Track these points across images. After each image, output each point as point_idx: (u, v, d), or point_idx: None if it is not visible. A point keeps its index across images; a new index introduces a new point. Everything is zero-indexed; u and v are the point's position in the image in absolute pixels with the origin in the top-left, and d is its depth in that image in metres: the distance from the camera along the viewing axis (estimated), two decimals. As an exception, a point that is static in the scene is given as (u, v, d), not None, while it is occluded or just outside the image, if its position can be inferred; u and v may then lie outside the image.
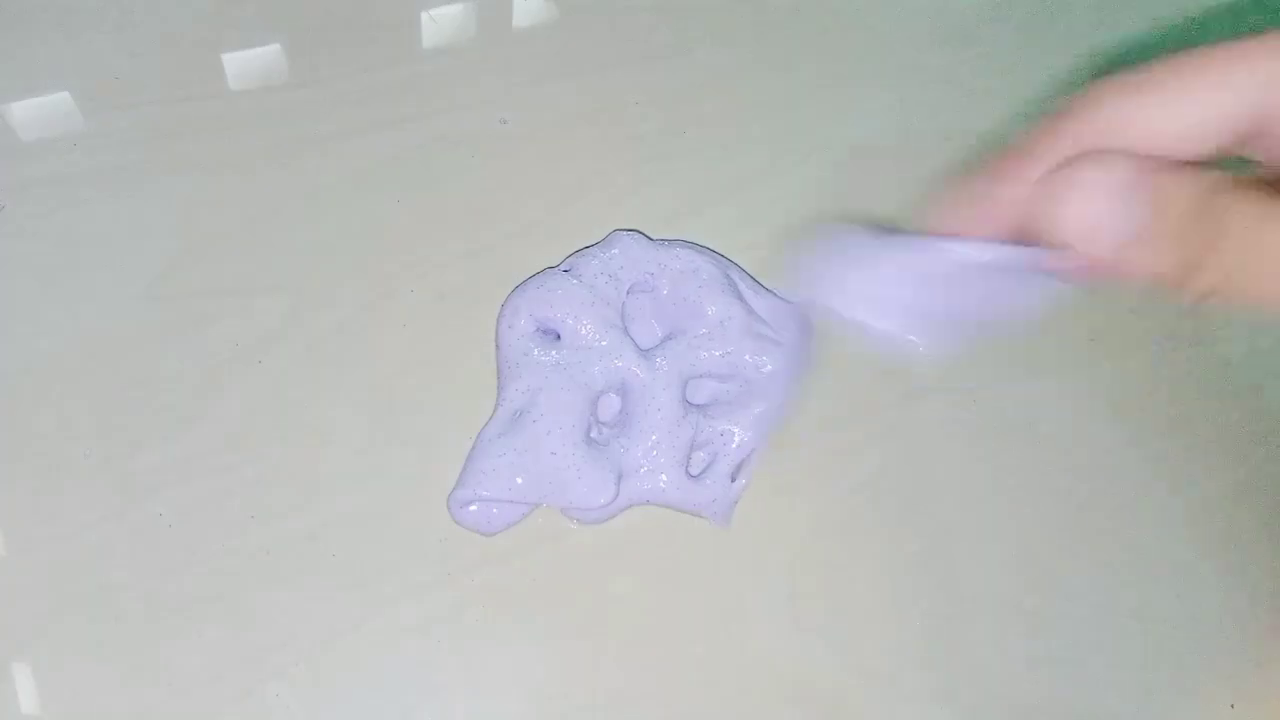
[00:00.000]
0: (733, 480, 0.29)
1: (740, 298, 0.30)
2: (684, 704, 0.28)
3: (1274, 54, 0.18)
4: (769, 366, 0.30)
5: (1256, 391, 0.35)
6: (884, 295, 0.23)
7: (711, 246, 0.32)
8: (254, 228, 0.31)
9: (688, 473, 0.29)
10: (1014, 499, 0.32)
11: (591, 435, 0.29)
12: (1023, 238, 0.21)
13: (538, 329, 0.29)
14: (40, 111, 0.32)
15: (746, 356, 0.30)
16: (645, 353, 0.29)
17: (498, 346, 0.30)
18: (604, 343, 0.29)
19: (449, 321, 0.31)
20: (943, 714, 0.29)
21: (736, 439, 0.29)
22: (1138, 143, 0.19)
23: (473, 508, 0.28)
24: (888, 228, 0.24)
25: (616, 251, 0.30)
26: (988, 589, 0.31)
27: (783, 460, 0.30)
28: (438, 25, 0.35)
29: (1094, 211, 0.19)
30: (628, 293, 0.30)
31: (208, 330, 0.30)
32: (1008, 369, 0.33)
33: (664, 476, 0.29)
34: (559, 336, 0.30)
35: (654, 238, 0.31)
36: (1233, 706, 0.31)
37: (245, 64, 0.33)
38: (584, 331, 0.29)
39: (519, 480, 0.28)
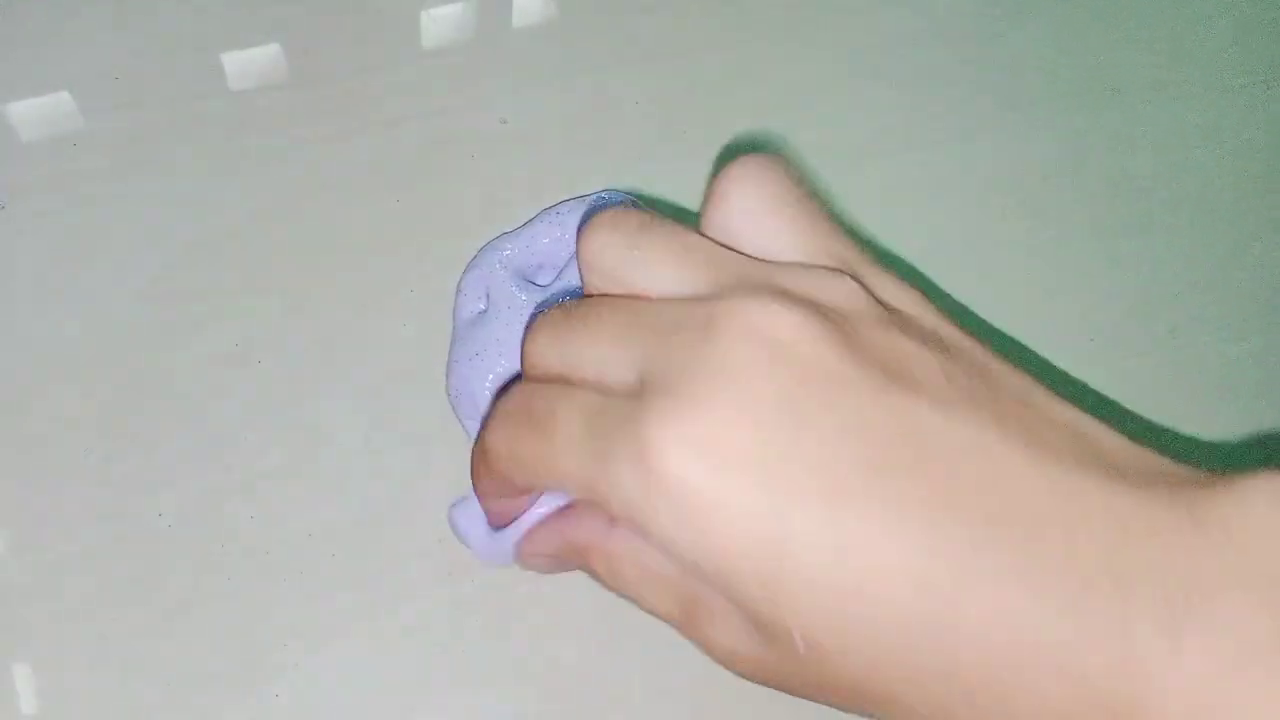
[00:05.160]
0: None
1: None
2: (684, 704, 0.28)
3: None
4: None
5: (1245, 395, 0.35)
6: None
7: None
8: (253, 228, 0.31)
9: None
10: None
11: None
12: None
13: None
14: (40, 111, 0.32)
15: None
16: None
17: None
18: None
19: (449, 321, 0.31)
20: (943, 714, 0.29)
21: None
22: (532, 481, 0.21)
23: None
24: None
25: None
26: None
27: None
28: (438, 25, 0.35)
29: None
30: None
31: (208, 330, 0.30)
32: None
33: None
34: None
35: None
36: None
37: (245, 64, 0.33)
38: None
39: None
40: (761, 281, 0.19)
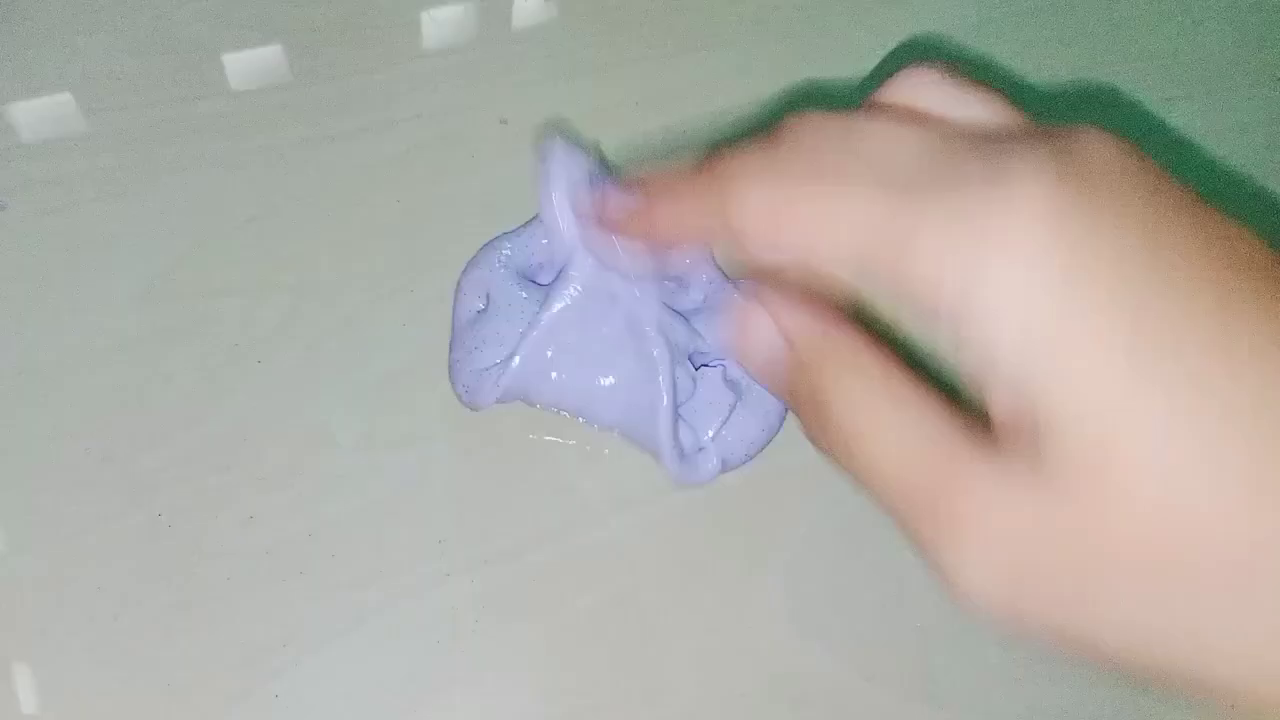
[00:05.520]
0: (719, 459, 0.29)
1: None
2: (684, 704, 0.28)
3: (873, 202, 0.17)
4: None
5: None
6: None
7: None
8: (254, 228, 0.31)
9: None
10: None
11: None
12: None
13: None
14: (41, 112, 0.32)
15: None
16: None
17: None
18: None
19: (449, 321, 0.31)
20: (942, 714, 0.29)
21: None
22: (783, 245, 0.18)
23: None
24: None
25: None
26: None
27: (783, 459, 0.30)
28: (438, 25, 0.35)
29: (743, 339, 0.20)
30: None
31: (208, 330, 0.30)
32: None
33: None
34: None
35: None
36: (1233, 706, 0.30)
37: (245, 64, 0.33)
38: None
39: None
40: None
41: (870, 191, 0.17)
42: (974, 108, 0.19)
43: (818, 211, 0.17)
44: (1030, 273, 0.15)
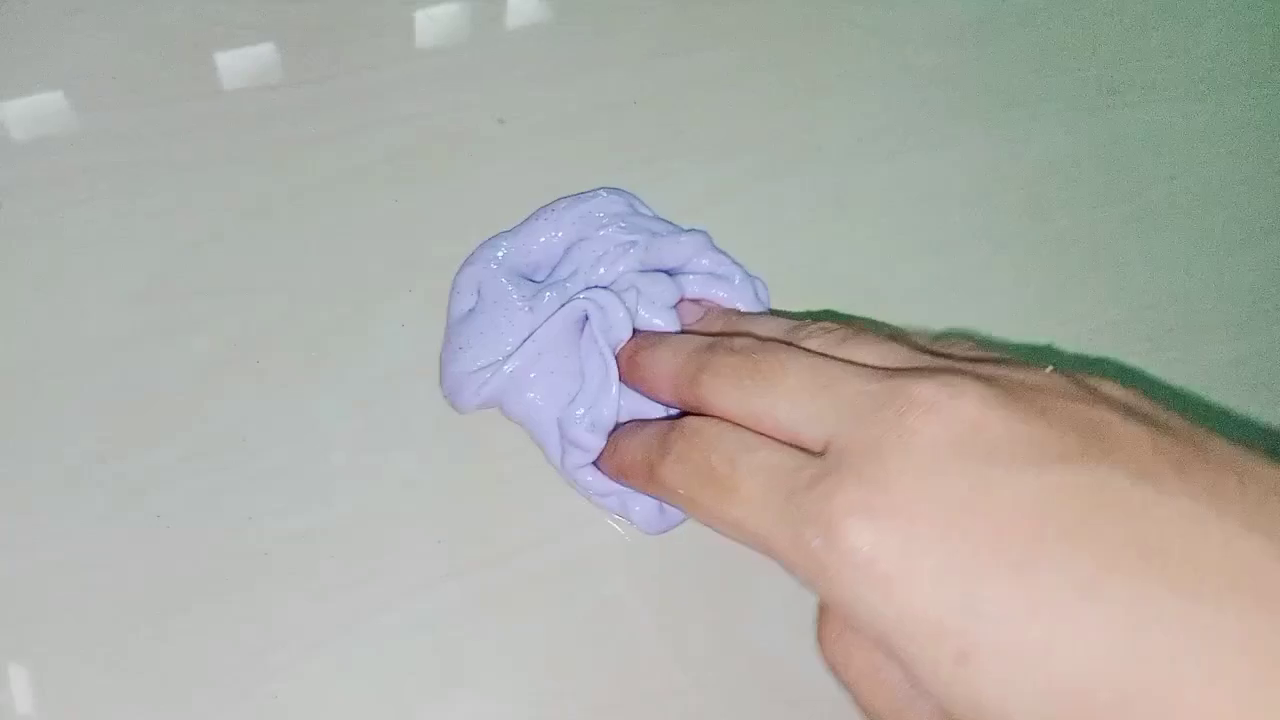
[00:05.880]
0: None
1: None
2: (684, 705, 0.28)
3: None
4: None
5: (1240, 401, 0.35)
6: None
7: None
8: (252, 227, 0.31)
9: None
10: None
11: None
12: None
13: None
14: (36, 111, 0.32)
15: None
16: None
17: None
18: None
19: (448, 321, 0.31)
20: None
21: None
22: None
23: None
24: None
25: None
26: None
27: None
28: (436, 25, 0.35)
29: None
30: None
31: (206, 330, 0.30)
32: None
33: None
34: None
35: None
36: None
37: (242, 63, 0.33)
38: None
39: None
40: (954, 365, 0.19)
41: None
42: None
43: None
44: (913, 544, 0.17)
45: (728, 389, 0.21)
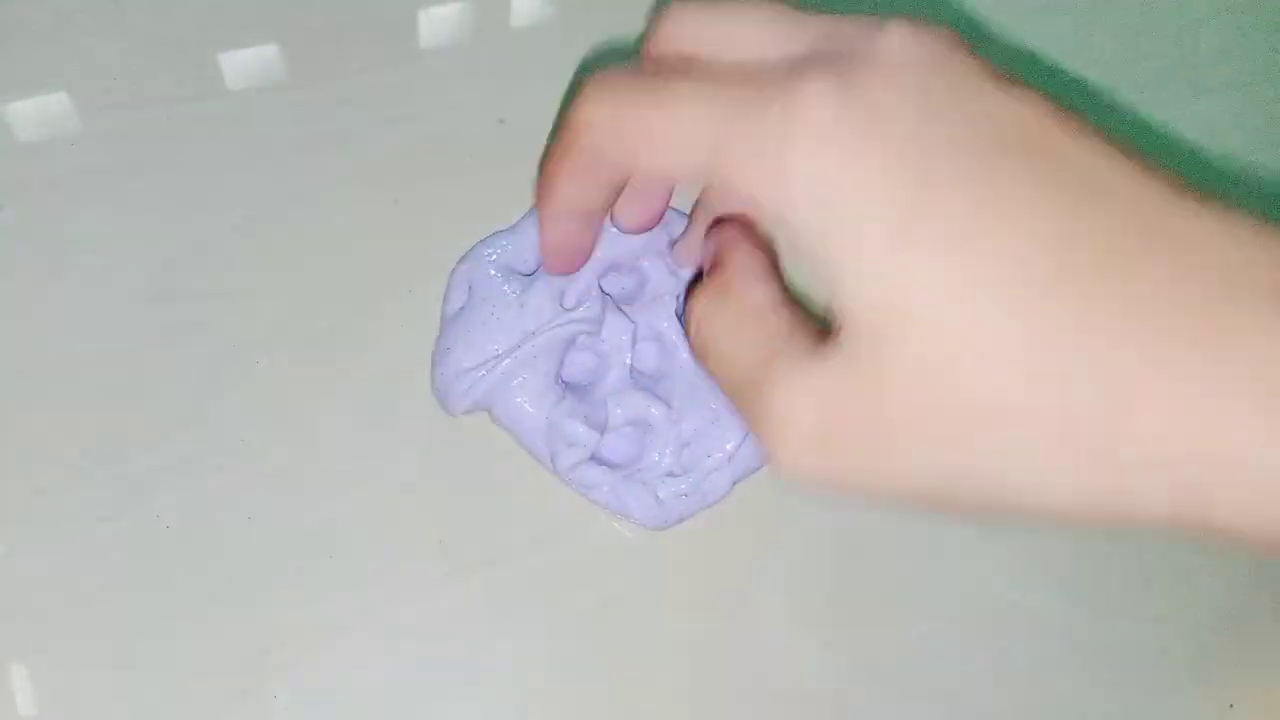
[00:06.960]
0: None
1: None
2: (684, 705, 0.28)
3: (725, 119, 0.18)
4: None
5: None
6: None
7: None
8: (252, 228, 0.31)
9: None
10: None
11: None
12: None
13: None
14: (38, 111, 0.32)
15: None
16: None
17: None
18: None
19: (448, 321, 0.31)
20: (942, 714, 0.29)
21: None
22: (634, 156, 0.20)
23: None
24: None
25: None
26: (988, 589, 0.31)
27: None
28: (436, 25, 0.35)
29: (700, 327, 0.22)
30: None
31: (206, 330, 0.30)
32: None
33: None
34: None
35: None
36: (1232, 706, 0.31)
37: (244, 64, 0.33)
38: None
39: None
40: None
41: (695, 110, 0.18)
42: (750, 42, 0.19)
43: (657, 125, 0.19)
44: (816, 161, 0.16)
45: (689, 17, 0.20)
